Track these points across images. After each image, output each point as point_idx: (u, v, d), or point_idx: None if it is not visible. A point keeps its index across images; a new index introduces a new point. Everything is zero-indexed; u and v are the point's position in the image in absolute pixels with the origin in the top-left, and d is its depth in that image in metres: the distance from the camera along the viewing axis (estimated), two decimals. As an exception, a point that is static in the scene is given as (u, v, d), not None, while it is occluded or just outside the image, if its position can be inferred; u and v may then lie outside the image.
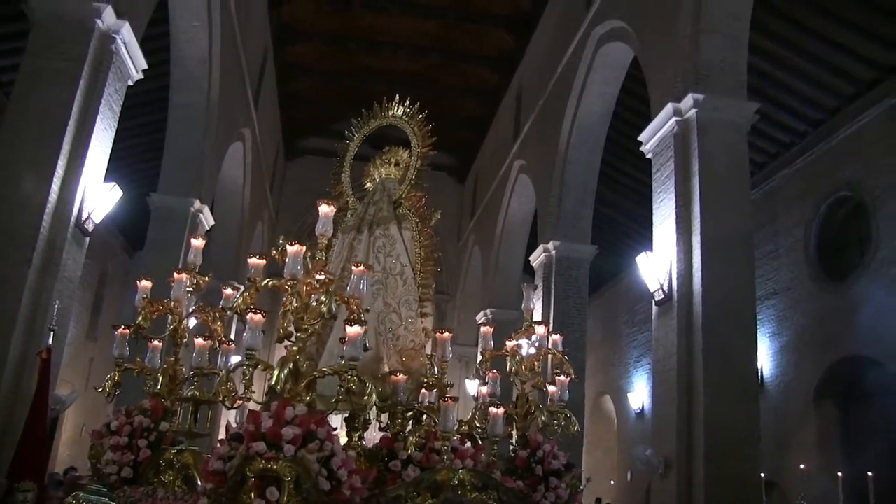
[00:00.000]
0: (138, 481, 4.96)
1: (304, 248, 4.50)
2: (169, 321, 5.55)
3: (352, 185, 6.97)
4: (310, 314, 4.38)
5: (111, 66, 9.22)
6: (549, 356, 6.31)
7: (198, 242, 5.55)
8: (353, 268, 4.75)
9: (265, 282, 4.56)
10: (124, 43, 9.39)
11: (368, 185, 6.84)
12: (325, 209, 4.81)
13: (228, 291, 5.49)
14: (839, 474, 10.92)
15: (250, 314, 4.28)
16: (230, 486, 3.79)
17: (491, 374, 5.99)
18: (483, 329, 6.40)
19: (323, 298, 4.30)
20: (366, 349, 4.72)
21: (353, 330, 4.27)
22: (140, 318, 5.38)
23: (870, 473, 9.99)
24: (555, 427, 5.96)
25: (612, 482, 21.47)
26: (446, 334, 5.81)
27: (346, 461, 3.94)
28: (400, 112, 6.70)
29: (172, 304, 5.47)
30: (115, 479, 4.98)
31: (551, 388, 6.04)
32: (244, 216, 19.18)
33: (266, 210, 23.10)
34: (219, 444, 4.00)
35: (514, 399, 6.09)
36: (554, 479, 5.58)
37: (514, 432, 5.98)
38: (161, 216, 13.85)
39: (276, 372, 4.15)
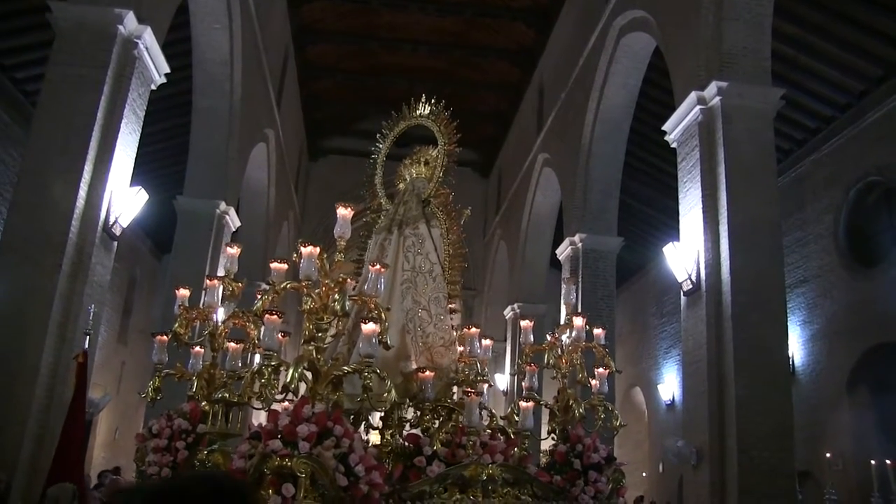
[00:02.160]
0: None
1: (318, 249, 4.54)
2: (203, 326, 5.65)
3: (384, 188, 6.99)
4: (328, 314, 4.43)
5: (134, 72, 9.31)
6: (591, 350, 6.26)
7: (233, 250, 5.64)
8: (370, 267, 4.78)
9: (284, 284, 4.61)
10: (146, 48, 9.47)
11: (401, 185, 6.87)
12: (343, 212, 4.84)
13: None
14: (872, 462, 10.81)
15: (266, 315, 4.34)
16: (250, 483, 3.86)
17: (529, 368, 5.98)
18: (523, 323, 6.41)
19: (336, 297, 4.34)
20: (387, 347, 4.74)
21: (368, 327, 4.32)
22: (177, 324, 5.47)
23: (888, 461, 9.88)
24: (599, 420, 5.93)
25: (644, 474, 21.37)
26: (474, 330, 5.81)
27: (364, 457, 3.97)
28: (426, 111, 6.71)
29: (205, 308, 5.57)
30: (155, 479, 5.12)
31: (593, 382, 6.01)
32: (270, 217, 19.27)
33: (291, 210, 23.21)
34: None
35: (556, 393, 6.08)
36: (594, 472, 5.51)
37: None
38: (187, 219, 13.96)
39: (290, 371, 4.18)
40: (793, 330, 14.01)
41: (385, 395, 4.66)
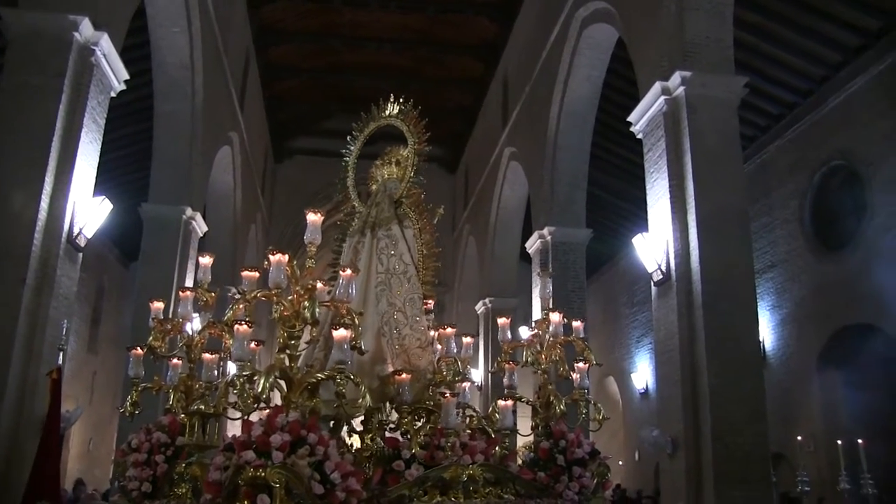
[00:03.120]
0: (156, 495, 5.10)
1: (287, 256, 4.50)
2: (178, 338, 5.60)
3: (356, 189, 6.94)
4: (300, 321, 4.40)
5: (92, 79, 9.13)
6: (571, 343, 6.22)
7: (205, 260, 5.56)
8: (341, 272, 4.74)
9: (254, 293, 4.57)
10: (104, 55, 9.29)
11: (374, 187, 6.82)
12: (313, 217, 4.80)
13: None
14: (839, 442, 10.95)
15: (237, 326, 4.30)
16: (225, 496, 3.85)
17: (508, 366, 5.93)
18: (500, 321, 6.35)
19: (307, 304, 4.31)
20: (361, 352, 4.70)
21: (339, 333, 4.28)
22: (151, 338, 5.43)
23: (860, 441, 10.01)
24: (582, 415, 5.91)
25: (621, 463, 21.50)
26: (450, 330, 5.77)
27: (340, 464, 3.94)
28: (395, 111, 6.65)
29: (179, 321, 5.54)
30: (136, 494, 5.12)
31: (574, 376, 5.97)
32: (237, 220, 19.11)
33: (259, 213, 23.03)
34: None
35: (537, 389, 6.05)
36: (578, 468, 5.47)
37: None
38: (154, 226, 13.78)
39: (261, 381, 4.13)
40: (762, 315, 14.16)
41: (360, 400, 4.61)
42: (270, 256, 4.48)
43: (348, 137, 6.94)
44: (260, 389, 4.11)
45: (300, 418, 4.02)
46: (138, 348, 5.52)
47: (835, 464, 10.88)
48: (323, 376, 4.45)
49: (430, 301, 6.32)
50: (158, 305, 5.67)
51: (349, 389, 4.55)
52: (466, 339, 6.30)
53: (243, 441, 3.86)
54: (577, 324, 6.30)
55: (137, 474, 5.15)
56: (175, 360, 5.59)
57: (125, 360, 13.73)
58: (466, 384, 5.73)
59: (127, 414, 5.43)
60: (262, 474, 3.72)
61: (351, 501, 3.98)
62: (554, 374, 6.14)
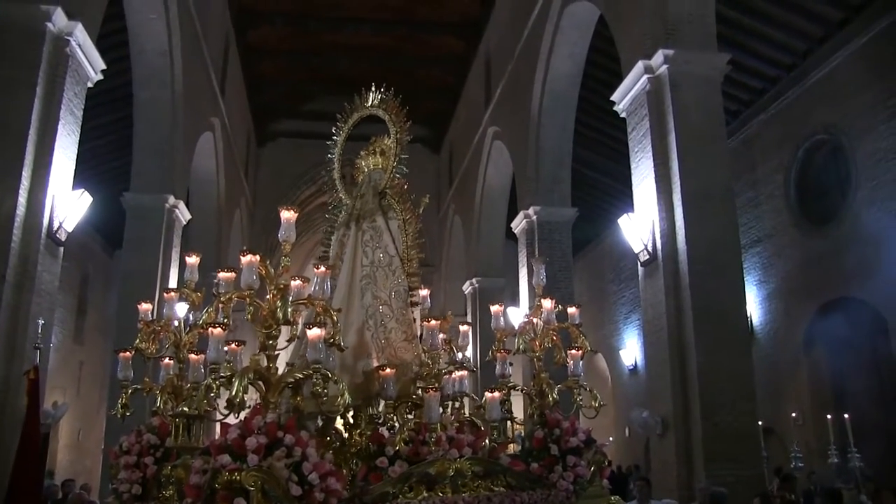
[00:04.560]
0: (146, 497, 5.06)
1: (258, 257, 4.43)
2: (165, 339, 5.56)
3: (344, 181, 6.83)
4: (275, 321, 4.34)
5: (68, 70, 8.97)
6: (566, 330, 6.11)
7: (192, 259, 5.49)
8: (315, 269, 4.66)
9: (228, 295, 4.50)
10: (79, 45, 9.11)
11: (360, 178, 6.71)
12: (287, 215, 4.71)
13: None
14: (828, 417, 11.04)
15: (210, 328, 4.24)
16: (204, 500, 3.81)
17: (500, 355, 5.84)
18: (493, 308, 6.23)
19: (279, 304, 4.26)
20: (341, 349, 4.64)
21: (313, 333, 4.22)
22: (137, 340, 5.38)
23: (846, 416, 10.09)
24: (576, 402, 5.82)
25: (611, 439, 21.58)
26: (434, 322, 5.70)
27: (319, 464, 3.90)
28: (377, 100, 6.53)
29: (164, 322, 5.48)
30: (126, 496, 5.09)
31: (569, 363, 5.85)
32: (220, 206, 18.97)
33: (243, 197, 22.89)
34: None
35: (532, 378, 5.96)
36: (573, 457, 5.31)
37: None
38: (136, 215, 13.64)
39: (235, 383, 4.08)
40: (749, 290, 14.19)
41: (339, 398, 4.54)
42: (241, 258, 4.40)
43: (333, 129, 6.82)
44: (234, 393, 4.05)
45: (277, 420, 3.97)
46: (126, 350, 5.44)
47: (822, 437, 10.98)
48: (301, 375, 4.39)
49: (416, 292, 6.22)
50: (146, 307, 5.60)
51: (333, 387, 4.50)
52: (463, 328, 6.24)
53: (219, 444, 3.83)
54: (572, 310, 6.15)
55: (127, 476, 5.11)
56: (167, 360, 5.54)
57: (112, 350, 13.64)
58: (465, 373, 5.62)
59: (118, 416, 5.37)
60: (238, 478, 3.69)
61: (330, 501, 3.93)
62: (550, 361, 6.04)
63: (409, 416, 5.30)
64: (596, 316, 23.42)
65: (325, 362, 4.46)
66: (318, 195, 27.13)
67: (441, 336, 6.04)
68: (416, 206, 6.44)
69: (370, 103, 6.51)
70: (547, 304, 6.08)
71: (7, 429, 7.77)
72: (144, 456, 5.15)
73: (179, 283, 14.24)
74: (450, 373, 5.71)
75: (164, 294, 5.69)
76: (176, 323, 5.54)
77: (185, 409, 4.61)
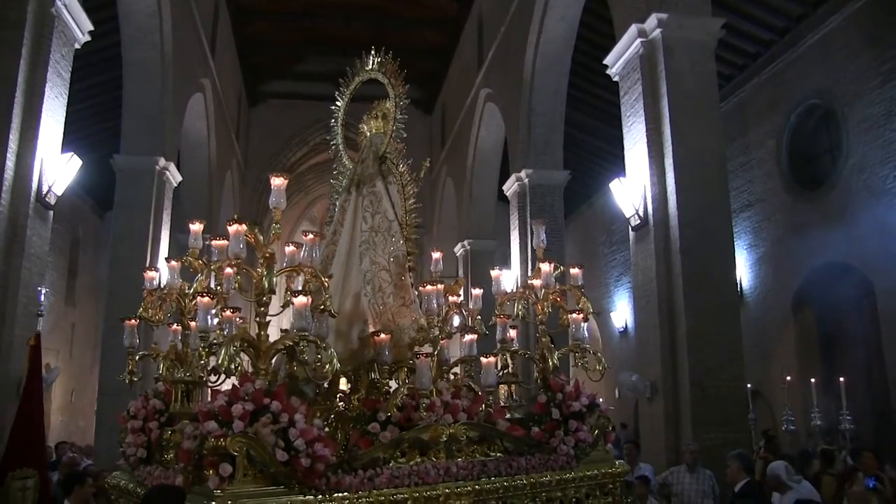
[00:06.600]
0: (150, 461, 5.16)
1: (245, 226, 4.42)
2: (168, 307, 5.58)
3: (346, 149, 6.78)
4: (261, 291, 4.36)
5: (54, 31, 8.87)
6: (568, 292, 6.03)
7: (195, 227, 5.46)
8: (304, 237, 4.66)
9: (217, 264, 4.51)
10: (65, 5, 9.00)
11: (363, 142, 6.66)
12: (278, 182, 4.68)
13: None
14: (812, 380, 11.18)
15: (199, 298, 4.26)
16: (194, 464, 3.89)
17: (500, 320, 5.80)
18: (493, 273, 6.17)
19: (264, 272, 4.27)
20: (333, 315, 4.65)
21: (299, 300, 4.24)
22: (141, 309, 5.40)
23: (842, 379, 10.22)
24: (580, 363, 5.77)
25: (601, 400, 21.73)
26: (429, 287, 5.67)
27: (306, 430, 3.94)
28: (375, 64, 6.47)
29: (168, 289, 5.48)
30: (133, 459, 5.20)
31: (571, 327, 5.76)
32: (212, 168, 18.87)
33: (234, 159, 22.75)
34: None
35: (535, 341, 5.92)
36: (574, 421, 5.29)
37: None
38: (127, 177, 13.56)
39: (222, 351, 4.10)
40: (739, 254, 14.25)
41: (327, 366, 4.55)
42: (228, 227, 4.39)
43: (336, 94, 6.75)
44: (220, 361, 4.07)
45: (265, 386, 4.00)
46: (131, 319, 5.48)
47: (809, 400, 11.11)
48: (290, 342, 4.40)
49: (412, 258, 6.20)
50: (152, 275, 5.60)
51: (312, 356, 4.48)
52: (476, 291, 6.21)
53: (207, 411, 3.88)
54: (575, 270, 6.02)
55: (133, 440, 5.22)
56: (175, 326, 5.56)
57: (104, 311, 13.61)
58: (474, 336, 5.56)
59: (126, 382, 5.43)
60: (223, 443, 3.74)
61: (318, 467, 3.98)
62: (554, 324, 5.95)
63: (406, 382, 5.31)
64: (587, 278, 22.98)
65: (318, 329, 4.47)
66: (310, 156, 27.05)
67: (452, 299, 6.02)
68: (415, 170, 6.41)
69: (370, 66, 6.45)
70: (545, 267, 5.98)
71: (2, 393, 7.81)
72: (150, 420, 5.23)
73: (171, 246, 14.24)
74: (447, 337, 5.69)
75: (167, 263, 5.68)
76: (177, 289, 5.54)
77: (181, 375, 4.66)
